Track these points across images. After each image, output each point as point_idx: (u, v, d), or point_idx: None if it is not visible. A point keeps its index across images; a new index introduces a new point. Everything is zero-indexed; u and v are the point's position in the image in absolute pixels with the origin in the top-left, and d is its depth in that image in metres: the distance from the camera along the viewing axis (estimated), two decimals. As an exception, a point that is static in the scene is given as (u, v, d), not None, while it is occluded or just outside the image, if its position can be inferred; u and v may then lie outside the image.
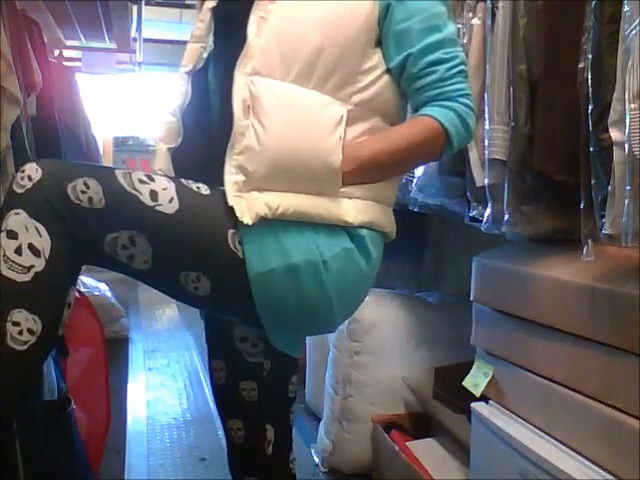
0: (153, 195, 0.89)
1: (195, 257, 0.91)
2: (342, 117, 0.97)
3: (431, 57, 0.99)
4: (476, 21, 1.50)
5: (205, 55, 1.07)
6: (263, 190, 0.93)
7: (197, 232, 0.91)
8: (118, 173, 0.90)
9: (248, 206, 0.92)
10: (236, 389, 1.11)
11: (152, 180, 0.91)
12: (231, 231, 0.92)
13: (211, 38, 1.08)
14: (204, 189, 0.95)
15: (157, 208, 0.88)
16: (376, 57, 1.02)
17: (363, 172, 0.98)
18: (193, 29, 1.12)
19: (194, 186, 0.95)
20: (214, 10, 1.11)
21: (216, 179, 0.97)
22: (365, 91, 1.00)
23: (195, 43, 1.10)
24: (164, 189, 0.91)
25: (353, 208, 0.98)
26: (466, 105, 1.02)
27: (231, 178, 0.93)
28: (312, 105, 0.96)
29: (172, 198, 0.90)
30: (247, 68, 0.97)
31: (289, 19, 0.98)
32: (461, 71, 1.01)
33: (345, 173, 0.96)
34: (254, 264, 0.92)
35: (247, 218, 0.91)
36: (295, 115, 0.95)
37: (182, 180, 0.95)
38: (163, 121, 1.10)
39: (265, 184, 0.93)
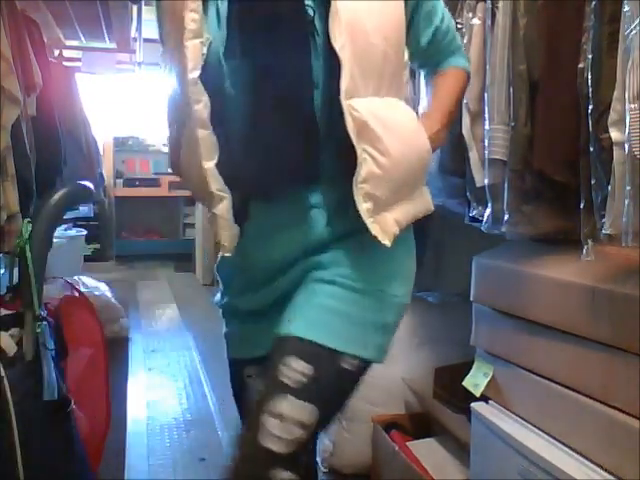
0: None
1: None
2: (414, 114, 1.05)
3: (449, 24, 1.18)
4: (476, 21, 1.50)
5: (205, 50, 0.96)
6: (389, 209, 0.98)
7: None
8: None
9: (383, 230, 0.96)
10: None
11: None
12: None
13: (205, 29, 0.96)
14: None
15: None
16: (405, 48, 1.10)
17: (441, 141, 1.13)
18: (185, 23, 0.95)
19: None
20: (235, 11, 0.99)
21: (278, 185, 0.98)
22: (404, 83, 1.07)
23: (194, 39, 0.95)
24: None
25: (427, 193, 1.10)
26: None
27: (363, 207, 0.95)
28: (399, 115, 1.01)
29: None
30: (343, 93, 0.93)
31: (361, 31, 0.95)
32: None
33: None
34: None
35: (387, 241, 0.96)
36: (396, 130, 0.98)
37: None
38: (197, 138, 0.97)
39: (390, 203, 0.98)
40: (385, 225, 0.96)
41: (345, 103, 0.92)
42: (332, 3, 0.93)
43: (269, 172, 0.97)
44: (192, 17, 0.94)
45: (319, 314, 0.94)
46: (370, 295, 0.97)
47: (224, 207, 0.97)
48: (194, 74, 0.94)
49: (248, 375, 1.07)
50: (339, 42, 0.92)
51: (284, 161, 0.97)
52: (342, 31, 0.93)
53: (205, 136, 0.95)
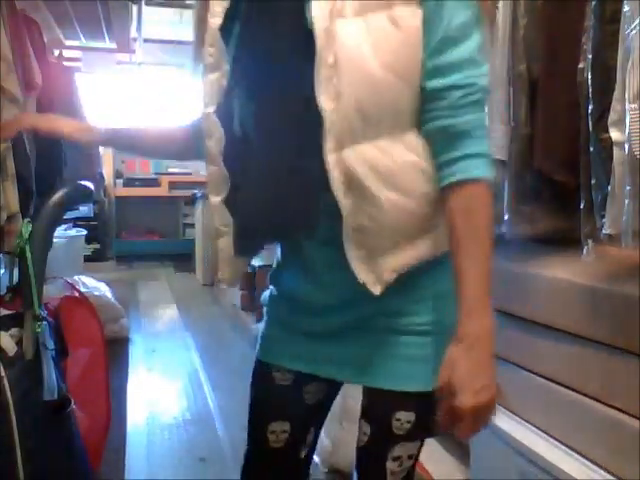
0: None
1: None
2: (421, 167, 0.87)
3: (446, 80, 0.85)
4: (476, 21, 1.50)
5: (225, 83, 0.91)
6: (384, 255, 0.89)
7: None
8: None
9: (377, 279, 0.89)
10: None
11: None
12: None
13: (226, 62, 0.91)
14: None
15: None
16: None
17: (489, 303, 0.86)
18: (202, 58, 0.92)
19: None
20: (227, 32, 0.92)
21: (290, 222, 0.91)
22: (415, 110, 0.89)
23: (212, 73, 0.91)
24: None
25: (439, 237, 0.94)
26: (480, 137, 0.87)
27: (353, 254, 0.88)
28: (396, 160, 0.86)
29: None
30: (330, 144, 0.83)
31: (362, 73, 0.82)
32: (475, 101, 0.86)
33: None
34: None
35: (378, 289, 0.88)
36: (393, 180, 0.85)
37: None
38: (207, 172, 0.95)
39: (386, 250, 0.89)
40: (379, 274, 0.89)
41: (329, 157, 0.84)
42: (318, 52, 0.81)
43: (283, 215, 0.91)
44: (210, 51, 0.91)
45: (409, 366, 0.94)
46: (440, 334, 0.95)
47: (225, 242, 0.96)
48: (209, 109, 0.91)
49: (283, 383, 1.04)
50: (325, 92, 0.81)
51: (297, 203, 0.90)
52: (331, 66, 0.81)
53: (213, 171, 0.93)
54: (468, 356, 0.81)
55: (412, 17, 0.82)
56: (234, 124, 0.93)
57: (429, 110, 0.86)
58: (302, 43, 0.83)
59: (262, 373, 1.05)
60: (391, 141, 0.85)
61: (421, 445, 1.00)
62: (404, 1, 0.81)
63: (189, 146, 1.09)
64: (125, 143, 1.18)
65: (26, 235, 1.04)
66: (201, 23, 0.93)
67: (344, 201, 0.85)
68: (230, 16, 0.91)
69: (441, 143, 0.85)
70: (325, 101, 0.82)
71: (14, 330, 1.06)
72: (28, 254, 1.03)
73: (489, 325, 0.83)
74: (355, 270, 0.88)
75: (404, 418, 0.94)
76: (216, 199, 0.95)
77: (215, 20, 0.90)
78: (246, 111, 0.92)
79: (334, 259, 0.91)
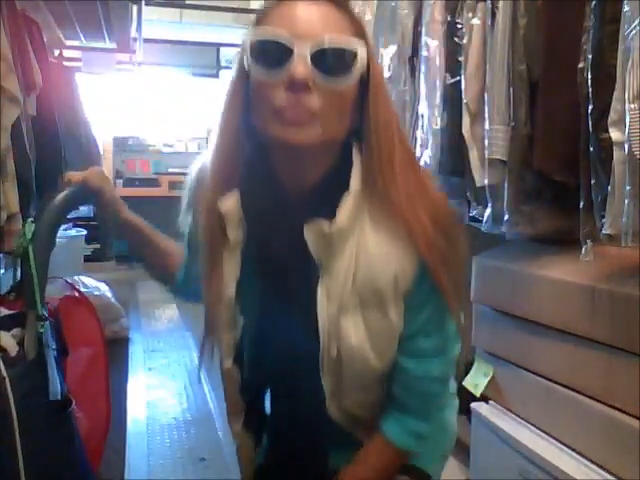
0: None
1: None
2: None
3: (409, 363, 0.94)
4: (476, 21, 1.50)
5: (238, 336, 0.96)
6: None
7: None
8: None
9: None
10: None
11: None
12: None
13: (240, 321, 0.95)
14: None
15: None
16: None
17: None
18: (216, 315, 0.94)
19: None
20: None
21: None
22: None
23: (228, 332, 0.94)
24: None
25: None
26: (424, 419, 0.99)
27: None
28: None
29: None
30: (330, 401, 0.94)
31: (361, 362, 0.90)
32: (427, 391, 0.97)
33: None
34: None
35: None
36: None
37: None
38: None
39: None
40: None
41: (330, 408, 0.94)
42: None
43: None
44: (224, 315, 0.93)
45: None
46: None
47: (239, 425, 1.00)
48: (227, 363, 0.95)
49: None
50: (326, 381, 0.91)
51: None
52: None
53: (228, 370, 0.97)
54: None
55: (399, 313, 0.89)
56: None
57: (395, 374, 0.95)
58: (310, 326, 0.88)
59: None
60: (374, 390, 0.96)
61: None
62: (395, 301, 0.88)
63: (177, 289, 1.18)
64: (135, 235, 1.21)
65: (29, 235, 1.04)
66: (213, 244, 0.92)
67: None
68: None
69: (395, 396, 0.96)
70: (326, 382, 0.91)
71: (16, 330, 1.06)
72: (31, 254, 1.03)
73: None
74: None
75: None
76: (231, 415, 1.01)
77: (228, 291, 0.91)
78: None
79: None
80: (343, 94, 0.82)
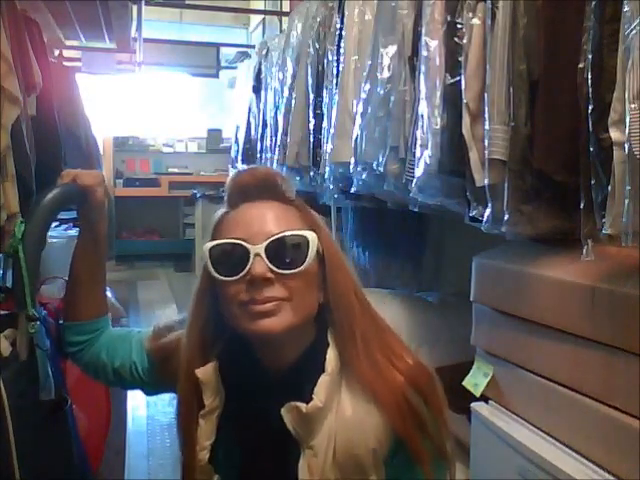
0: None
1: None
2: None
3: None
4: (476, 21, 1.50)
5: None
6: None
7: None
8: None
9: None
10: None
11: None
12: None
13: None
14: None
15: None
16: None
17: None
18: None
19: None
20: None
21: None
22: None
23: None
24: None
25: None
26: None
27: None
28: None
29: None
30: None
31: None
32: None
33: None
34: None
35: None
36: None
37: None
38: None
39: None
40: None
41: None
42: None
43: None
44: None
45: None
46: None
47: None
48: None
49: None
50: None
51: None
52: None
53: None
54: None
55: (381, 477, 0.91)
56: None
57: None
58: None
59: None
60: None
61: None
62: (375, 468, 0.89)
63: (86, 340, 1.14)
64: (88, 254, 1.15)
65: (19, 235, 1.03)
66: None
67: None
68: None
69: None
70: None
71: (8, 331, 1.05)
72: (21, 254, 1.02)
73: None
74: None
75: None
76: None
77: (204, 454, 0.94)
78: None
79: None
80: (304, 275, 0.89)
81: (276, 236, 0.89)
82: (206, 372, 0.93)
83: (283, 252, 0.88)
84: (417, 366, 0.93)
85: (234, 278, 0.88)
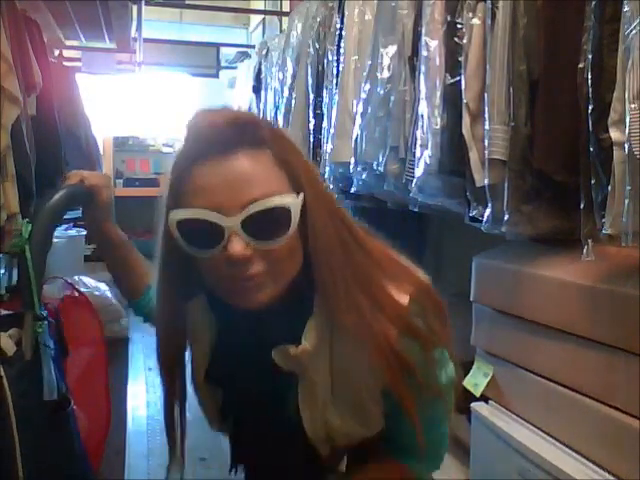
0: None
1: None
2: None
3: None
4: (476, 21, 1.50)
5: None
6: None
7: None
8: None
9: None
10: None
11: None
12: None
13: None
14: None
15: None
16: None
17: None
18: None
19: None
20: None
21: None
22: None
23: None
24: None
25: None
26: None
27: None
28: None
29: None
30: None
31: (343, 435, 0.92)
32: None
33: None
34: None
35: None
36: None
37: None
38: None
39: None
40: None
41: None
42: None
43: None
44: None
45: None
46: None
47: None
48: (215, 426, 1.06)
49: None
50: None
51: None
52: None
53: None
54: None
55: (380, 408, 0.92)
56: None
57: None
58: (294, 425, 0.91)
59: None
60: None
61: None
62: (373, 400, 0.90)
63: (140, 306, 1.19)
64: (113, 248, 1.17)
65: (26, 235, 1.03)
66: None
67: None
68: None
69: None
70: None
71: (13, 330, 1.06)
72: (28, 254, 1.02)
73: None
74: None
75: None
76: None
77: (198, 377, 1.04)
78: None
79: None
80: (286, 243, 0.81)
81: (253, 208, 0.77)
82: (196, 305, 0.93)
83: (261, 225, 0.78)
84: (412, 301, 0.89)
85: (208, 254, 0.79)
